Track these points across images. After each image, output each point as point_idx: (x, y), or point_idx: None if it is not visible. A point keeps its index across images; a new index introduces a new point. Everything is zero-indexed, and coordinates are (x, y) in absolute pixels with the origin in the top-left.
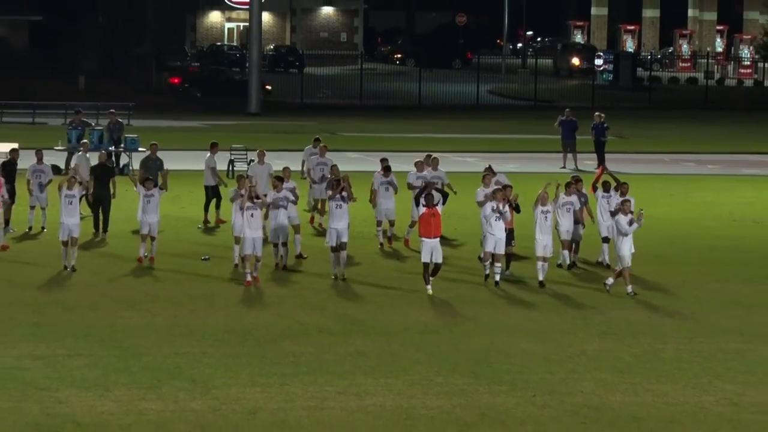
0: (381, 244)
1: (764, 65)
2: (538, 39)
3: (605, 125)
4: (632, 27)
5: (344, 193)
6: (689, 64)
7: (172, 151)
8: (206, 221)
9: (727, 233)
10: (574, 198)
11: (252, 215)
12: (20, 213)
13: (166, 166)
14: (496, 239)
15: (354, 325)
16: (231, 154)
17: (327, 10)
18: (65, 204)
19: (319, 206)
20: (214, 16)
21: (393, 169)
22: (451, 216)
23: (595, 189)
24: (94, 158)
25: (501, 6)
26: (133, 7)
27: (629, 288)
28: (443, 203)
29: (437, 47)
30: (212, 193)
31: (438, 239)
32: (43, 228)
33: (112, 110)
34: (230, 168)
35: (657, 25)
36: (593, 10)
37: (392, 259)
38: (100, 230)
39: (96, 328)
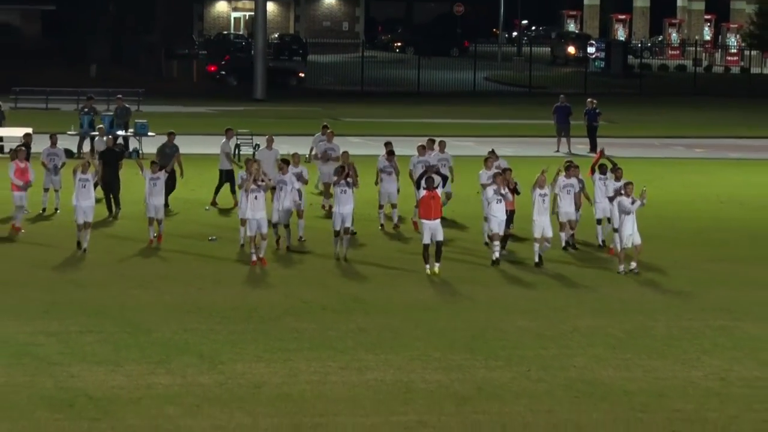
0: (381, 225)
1: (750, 53)
2: (533, 28)
3: (597, 111)
4: (623, 16)
5: (348, 179)
6: (678, 52)
7: (181, 135)
8: (214, 202)
9: (715, 215)
10: (574, 181)
11: (256, 197)
12: (34, 195)
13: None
14: (498, 220)
15: (355, 303)
16: (237, 138)
17: (329, 0)
18: (79, 187)
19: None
20: (221, 6)
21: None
22: (452, 199)
23: (593, 172)
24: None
25: None
26: None
27: (621, 267)
28: (443, 186)
29: (436, 36)
30: (225, 177)
31: (438, 220)
32: (56, 209)
33: (119, 96)
34: (236, 152)
35: (647, 15)
36: (586, 0)
37: (394, 240)
38: (114, 210)
39: (107, 306)
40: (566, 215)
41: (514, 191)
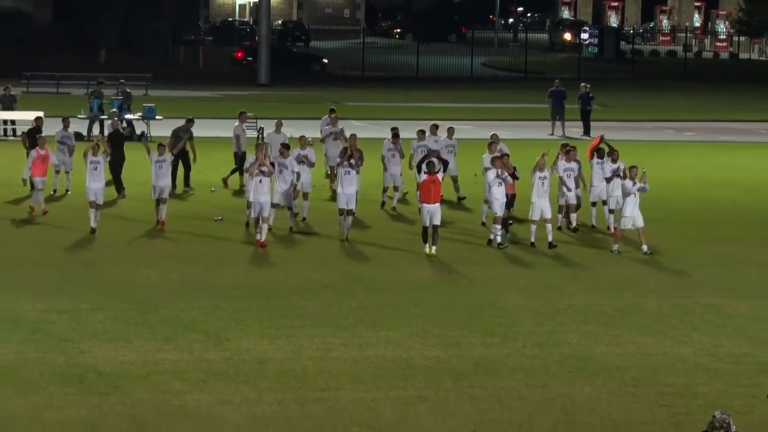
0: (383, 201)
1: (739, 39)
2: (528, 14)
3: (591, 95)
4: (616, 3)
5: (352, 161)
6: (669, 38)
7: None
8: (225, 182)
9: (705, 195)
10: (574, 164)
11: (261, 181)
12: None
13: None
14: (499, 203)
15: (357, 282)
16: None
17: None
18: (90, 170)
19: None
20: None
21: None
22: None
23: (592, 156)
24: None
25: None
26: None
27: (615, 247)
28: (444, 171)
29: (434, 22)
30: (240, 159)
31: (437, 204)
32: (67, 190)
33: (121, 80)
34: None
35: (639, 2)
36: None
37: (395, 222)
38: (121, 191)
39: (117, 284)
40: (569, 199)
41: (513, 176)
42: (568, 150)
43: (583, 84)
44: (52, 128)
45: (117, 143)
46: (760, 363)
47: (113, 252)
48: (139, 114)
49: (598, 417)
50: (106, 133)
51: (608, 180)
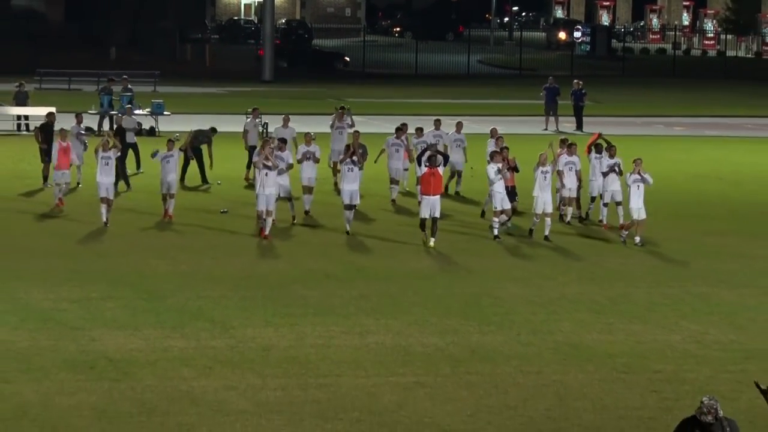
0: (393, 200)
1: (726, 37)
2: (523, 14)
3: (583, 91)
4: (607, 2)
5: (354, 157)
6: (659, 36)
7: (196, 114)
8: (247, 178)
9: (693, 188)
10: (575, 159)
11: (267, 174)
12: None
13: (188, 128)
14: (501, 196)
15: (358, 272)
16: (247, 117)
17: None
18: (102, 165)
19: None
20: None
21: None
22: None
23: (589, 151)
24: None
25: None
26: None
27: (637, 239)
28: (444, 165)
29: (432, 21)
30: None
31: (438, 197)
32: (78, 183)
33: (124, 76)
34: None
35: (630, 1)
36: None
37: (396, 215)
38: (127, 184)
39: (126, 274)
40: (568, 192)
41: (514, 169)
42: (570, 144)
43: (575, 81)
44: (63, 123)
45: (122, 138)
46: (746, 350)
47: (123, 243)
48: (148, 110)
49: (590, 402)
50: (113, 127)
51: (605, 174)
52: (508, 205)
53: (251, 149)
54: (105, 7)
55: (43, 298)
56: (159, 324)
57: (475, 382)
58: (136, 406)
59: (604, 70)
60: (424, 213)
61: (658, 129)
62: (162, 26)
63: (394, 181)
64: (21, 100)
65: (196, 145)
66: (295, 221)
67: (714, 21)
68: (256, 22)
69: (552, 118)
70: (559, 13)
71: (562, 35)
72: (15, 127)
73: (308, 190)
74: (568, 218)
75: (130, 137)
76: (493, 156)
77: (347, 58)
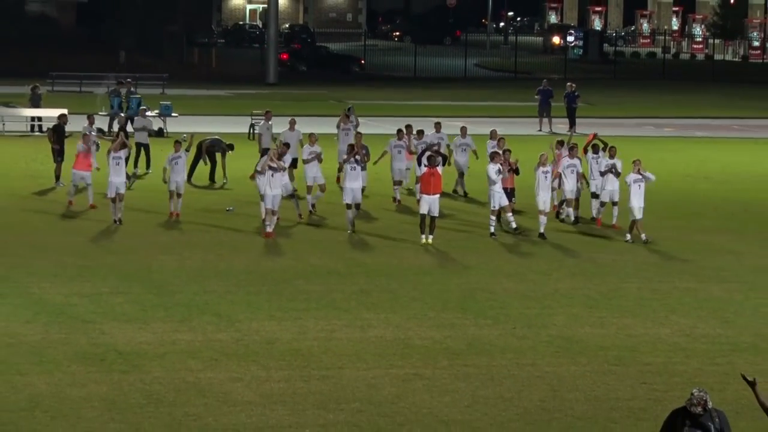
0: (398, 200)
1: (714, 41)
2: (518, 18)
3: (576, 94)
4: (599, 8)
5: (357, 157)
6: (649, 40)
7: (203, 116)
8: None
9: (683, 187)
10: (576, 161)
11: (272, 175)
12: (69, 169)
13: (196, 128)
14: (500, 196)
15: (359, 267)
16: (252, 118)
17: None
18: (113, 165)
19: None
20: None
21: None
22: (450, 175)
23: (586, 152)
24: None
25: None
26: None
27: (643, 236)
28: (443, 165)
29: (431, 26)
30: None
31: (437, 196)
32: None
33: (128, 79)
34: (251, 131)
35: (621, 6)
36: None
37: (397, 213)
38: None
39: (135, 270)
40: (571, 193)
41: (515, 171)
42: (571, 147)
43: (569, 83)
44: (75, 125)
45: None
46: (732, 343)
47: (133, 240)
48: (156, 111)
49: (582, 393)
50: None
51: (602, 174)
52: (506, 202)
53: (264, 152)
54: (115, 12)
55: (55, 293)
56: (167, 318)
57: (472, 374)
58: (144, 397)
59: (596, 73)
60: (424, 210)
61: (648, 130)
62: (170, 31)
63: (397, 183)
64: (35, 101)
65: (211, 151)
66: (302, 219)
67: (702, 26)
68: (260, 26)
69: (546, 120)
70: (553, 18)
71: (556, 39)
72: (28, 128)
73: (313, 189)
74: (563, 216)
75: (143, 137)
76: (493, 156)
77: (362, 61)
